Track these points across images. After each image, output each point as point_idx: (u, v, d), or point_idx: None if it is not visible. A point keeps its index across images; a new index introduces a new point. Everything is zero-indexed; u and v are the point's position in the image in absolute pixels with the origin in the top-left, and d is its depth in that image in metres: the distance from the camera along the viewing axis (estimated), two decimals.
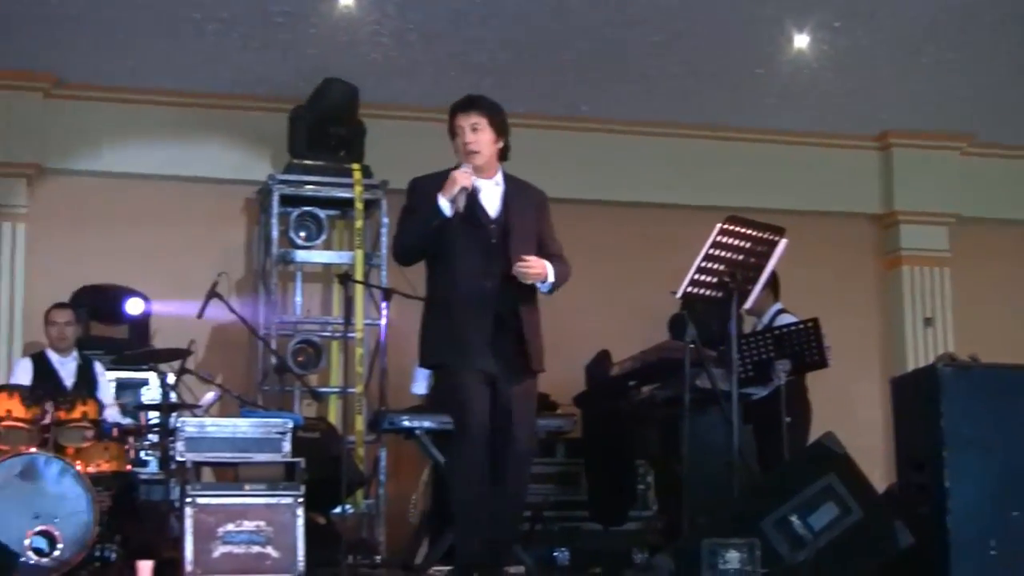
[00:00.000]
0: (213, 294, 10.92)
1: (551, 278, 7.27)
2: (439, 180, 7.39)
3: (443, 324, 7.45)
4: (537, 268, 7.22)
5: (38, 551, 8.68)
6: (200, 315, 11.02)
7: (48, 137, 12.13)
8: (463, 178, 7.18)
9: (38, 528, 8.74)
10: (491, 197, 7.43)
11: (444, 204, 7.17)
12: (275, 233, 12.16)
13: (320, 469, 9.50)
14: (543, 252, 7.42)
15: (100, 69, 11.99)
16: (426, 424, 9.61)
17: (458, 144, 7.39)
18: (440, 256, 7.43)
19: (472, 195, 7.30)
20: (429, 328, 7.62)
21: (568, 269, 7.57)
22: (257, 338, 11.86)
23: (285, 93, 12.20)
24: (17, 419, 9.30)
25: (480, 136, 7.34)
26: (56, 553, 8.72)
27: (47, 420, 9.35)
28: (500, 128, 7.44)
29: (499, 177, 7.48)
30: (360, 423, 11.57)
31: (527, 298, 7.49)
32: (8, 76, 11.85)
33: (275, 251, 12.17)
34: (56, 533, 8.77)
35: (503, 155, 7.53)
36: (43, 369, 10.63)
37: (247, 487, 9.11)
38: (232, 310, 11.26)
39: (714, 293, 8.14)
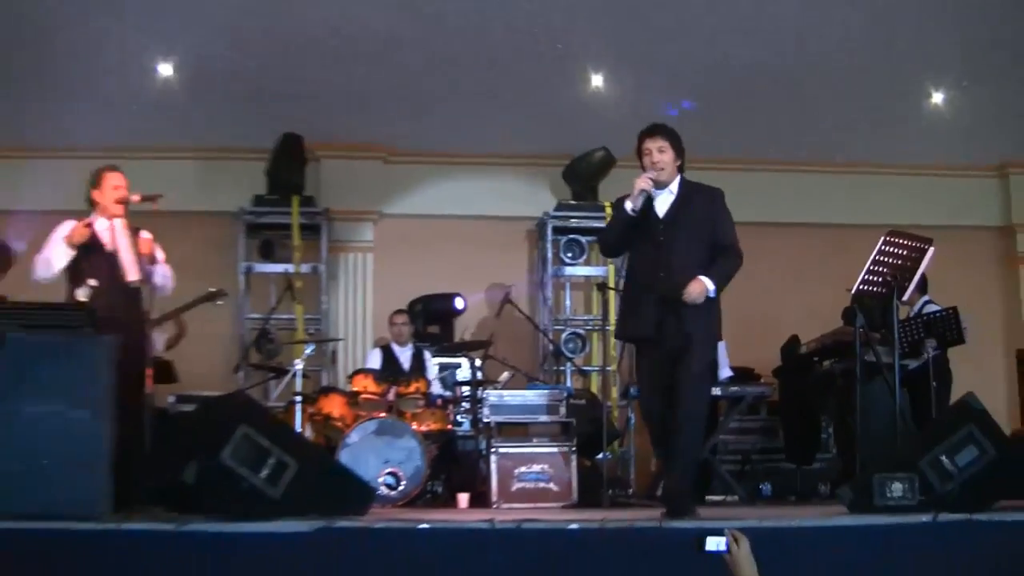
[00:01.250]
0: (507, 301, 11.15)
1: (711, 287, 6.70)
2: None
3: (627, 305, 7.16)
4: (697, 290, 6.67)
5: (388, 486, 8.95)
6: (498, 315, 11.30)
7: (386, 191, 12.49)
8: (642, 182, 6.85)
9: (387, 470, 9.08)
10: (663, 203, 6.96)
11: (628, 205, 6.87)
12: (549, 254, 12.33)
13: (587, 426, 9.64)
14: (715, 241, 6.91)
15: (421, 139, 12.22)
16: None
17: (646, 162, 6.96)
18: (631, 250, 7.16)
19: (648, 201, 6.91)
20: (620, 308, 7.43)
21: (734, 261, 6.94)
22: (538, 331, 12.03)
23: (555, 151, 12.31)
24: (371, 393, 9.63)
25: (664, 156, 6.90)
26: (400, 488, 9.00)
27: (391, 394, 9.69)
28: (679, 149, 6.99)
29: (674, 186, 6.99)
30: (614, 392, 11.68)
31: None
32: (356, 147, 12.24)
33: (550, 268, 12.35)
34: (400, 473, 9.06)
35: (680, 169, 7.04)
36: (388, 357, 10.78)
37: (534, 440, 9.28)
38: (520, 312, 11.52)
39: (879, 289, 8.14)
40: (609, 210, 11.81)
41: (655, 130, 7.02)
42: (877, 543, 5.92)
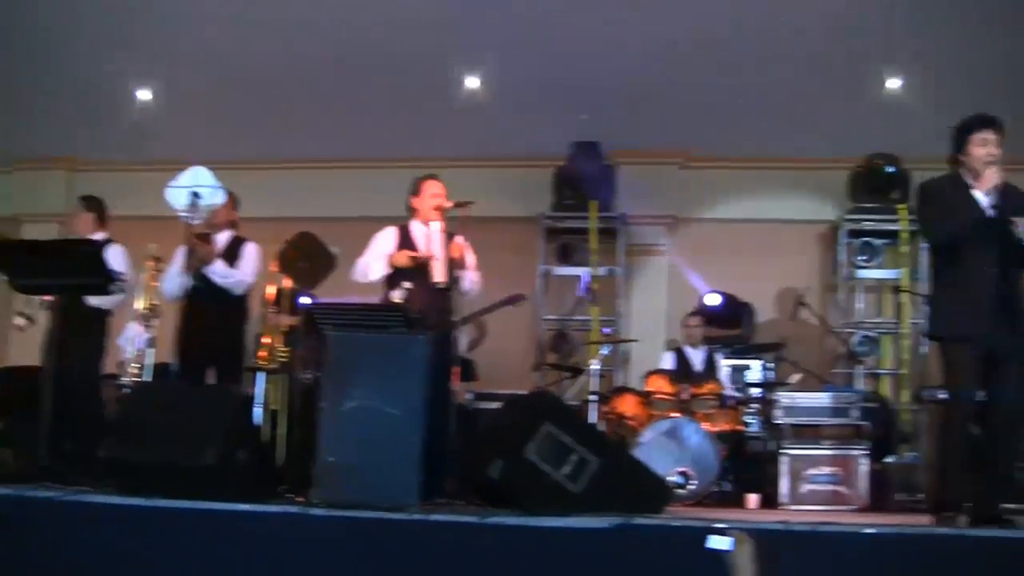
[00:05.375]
0: (801, 303, 11.05)
1: None
2: (946, 183, 6.70)
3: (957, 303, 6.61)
4: None
5: (677, 485, 9.00)
6: (792, 318, 11.20)
7: (681, 196, 12.54)
8: (996, 177, 6.39)
9: (678, 469, 9.10)
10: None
11: (981, 197, 6.43)
12: (842, 257, 12.11)
13: (876, 429, 9.49)
14: None
15: (716, 145, 12.20)
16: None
17: (983, 153, 6.48)
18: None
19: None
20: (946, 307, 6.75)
21: None
22: (831, 333, 11.84)
23: (844, 154, 12.06)
24: (665, 393, 9.70)
25: (999, 151, 6.49)
26: (690, 487, 9.03)
27: (685, 394, 9.72)
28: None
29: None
30: (906, 396, 11.41)
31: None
32: (652, 154, 12.33)
33: (843, 271, 12.12)
34: (690, 473, 9.10)
35: None
36: (681, 358, 10.74)
37: (825, 442, 9.18)
38: (813, 314, 11.39)
39: None
40: (904, 213, 11.56)
41: (996, 121, 6.58)
42: None
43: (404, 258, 7.77)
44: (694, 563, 5.43)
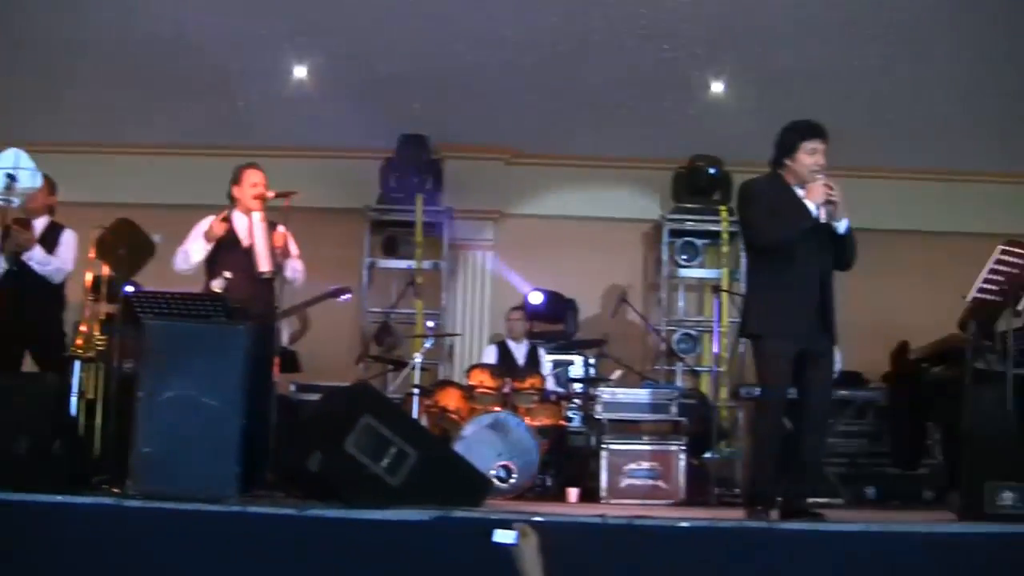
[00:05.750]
0: (622, 301, 11.17)
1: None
2: (768, 183, 6.75)
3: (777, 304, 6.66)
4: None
5: (499, 479, 8.98)
6: (612, 315, 11.32)
7: (508, 192, 12.58)
8: (824, 191, 6.45)
9: (500, 463, 9.11)
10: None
11: (812, 207, 6.47)
12: (665, 256, 12.28)
13: (695, 425, 9.63)
14: None
15: (543, 143, 12.27)
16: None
17: (811, 162, 6.57)
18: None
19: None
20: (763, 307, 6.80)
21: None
22: (651, 331, 11.99)
23: (668, 155, 12.25)
24: (487, 387, 9.69)
25: (825, 160, 6.58)
26: (512, 481, 9.04)
27: (507, 389, 9.70)
28: None
29: None
30: (724, 393, 11.61)
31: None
32: (478, 149, 12.34)
33: (665, 270, 12.30)
34: (512, 467, 9.11)
35: None
36: (504, 353, 10.80)
37: (645, 437, 9.28)
38: (635, 311, 11.53)
39: (994, 298, 8.04)
40: (725, 214, 11.78)
41: (824, 131, 6.68)
42: (987, 550, 5.84)
43: (220, 227, 7.68)
44: (510, 555, 5.45)
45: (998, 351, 8.90)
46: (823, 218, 6.56)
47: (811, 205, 6.54)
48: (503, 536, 4.23)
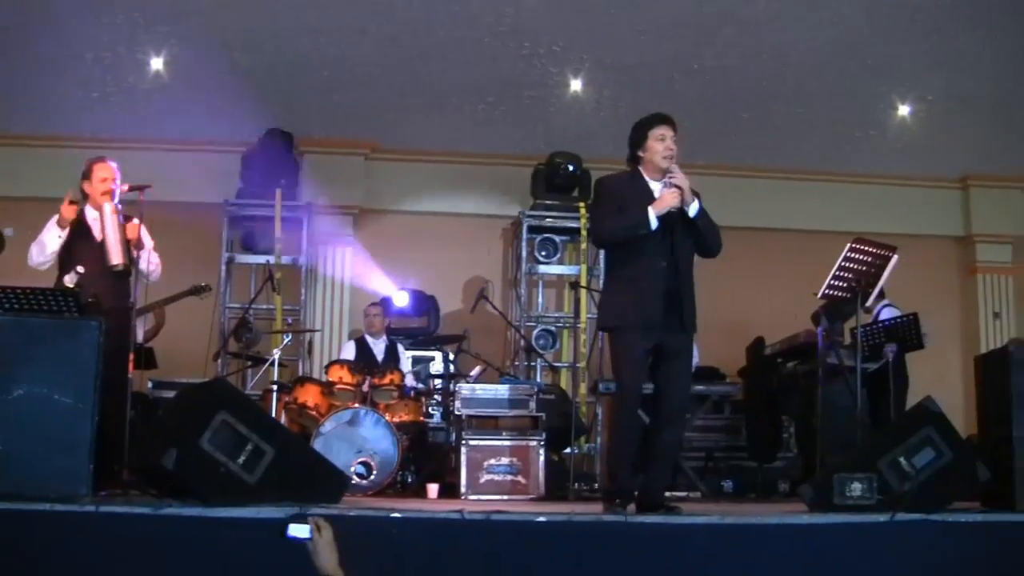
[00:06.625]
0: (481, 297, 11.15)
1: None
2: (623, 180, 6.84)
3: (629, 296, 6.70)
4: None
5: (360, 475, 8.93)
6: (472, 311, 11.30)
7: (367, 187, 12.52)
8: (674, 200, 6.54)
9: (359, 459, 9.06)
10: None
11: (653, 219, 6.53)
12: (524, 253, 12.34)
13: (555, 421, 9.66)
14: None
15: (402, 138, 12.27)
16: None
17: (661, 147, 6.65)
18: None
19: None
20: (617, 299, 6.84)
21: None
22: (511, 327, 12.03)
23: (528, 152, 12.33)
24: (346, 383, 9.62)
25: (675, 146, 6.66)
26: (372, 477, 8.98)
27: (366, 385, 9.64)
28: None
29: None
30: (583, 388, 11.70)
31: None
32: (339, 144, 12.25)
33: (524, 266, 12.36)
34: (372, 463, 9.06)
35: None
36: (363, 348, 10.77)
37: (504, 433, 9.28)
38: (495, 307, 11.53)
39: (844, 294, 8.22)
40: (584, 211, 11.85)
41: (669, 118, 6.76)
42: (836, 541, 5.97)
43: (69, 211, 7.54)
44: (368, 552, 5.41)
45: (848, 346, 9.19)
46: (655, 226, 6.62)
47: (652, 213, 6.57)
48: (297, 530, 4.20)
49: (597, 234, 7.11)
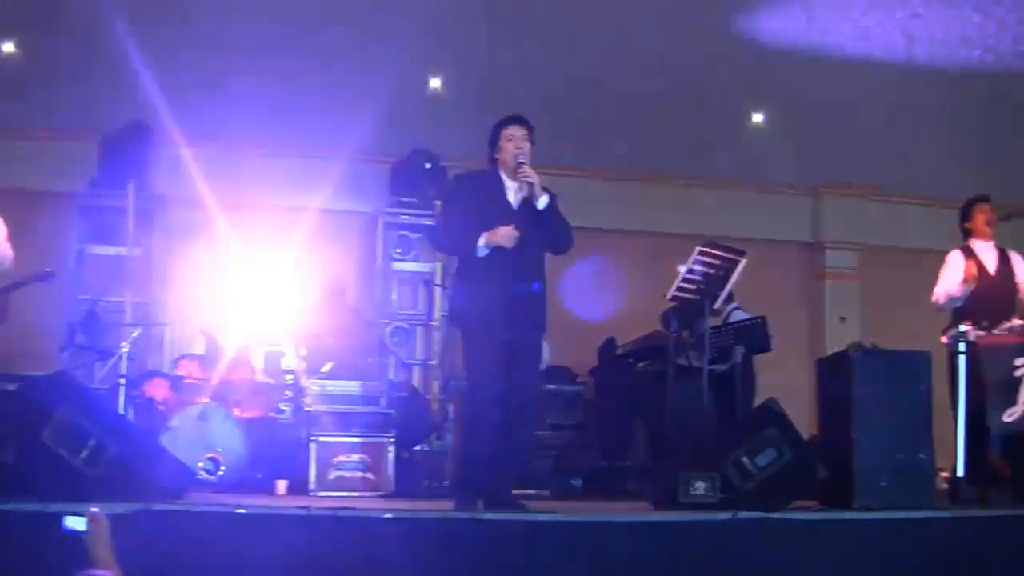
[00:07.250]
0: (337, 293, 11.10)
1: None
2: (478, 179, 7.05)
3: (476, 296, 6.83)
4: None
5: (208, 471, 8.88)
6: (325, 308, 11.23)
7: (225, 180, 12.07)
8: (507, 240, 6.63)
9: (208, 455, 8.95)
10: (516, 195, 6.85)
11: (483, 250, 6.66)
12: (380, 249, 12.31)
13: (406, 418, 9.67)
14: None
15: (257, 130, 12.02)
16: None
17: (511, 147, 6.76)
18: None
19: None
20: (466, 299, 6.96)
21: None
22: (366, 323, 11.91)
23: (386, 149, 12.33)
24: (196, 378, 9.52)
25: (527, 146, 6.78)
26: (220, 473, 8.93)
27: (216, 380, 9.56)
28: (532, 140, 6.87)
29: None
30: (435, 386, 11.71)
31: None
32: (196, 137, 12.05)
33: (380, 263, 12.33)
34: (220, 459, 8.97)
35: None
36: (213, 343, 10.66)
37: (354, 430, 9.26)
38: (348, 303, 11.49)
39: (692, 296, 8.35)
40: (439, 208, 11.85)
41: (522, 119, 6.90)
42: (679, 537, 6.08)
43: None
44: (213, 548, 5.36)
45: (697, 348, 9.34)
46: (516, 205, 6.78)
47: (513, 193, 6.78)
48: (73, 523, 4.17)
49: (435, 242, 7.25)
